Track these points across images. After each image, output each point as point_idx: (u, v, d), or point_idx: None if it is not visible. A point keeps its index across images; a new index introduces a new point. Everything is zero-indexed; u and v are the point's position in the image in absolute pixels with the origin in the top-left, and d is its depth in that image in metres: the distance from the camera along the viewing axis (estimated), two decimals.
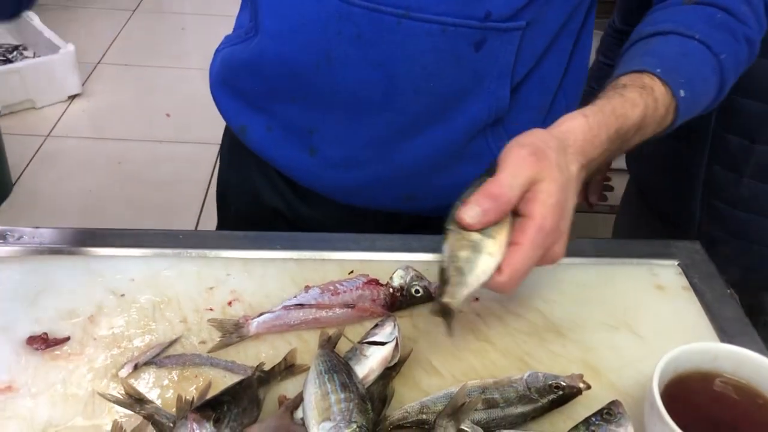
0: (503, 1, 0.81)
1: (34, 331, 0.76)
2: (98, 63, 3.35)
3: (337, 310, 0.78)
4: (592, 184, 1.46)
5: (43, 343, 0.74)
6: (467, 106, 0.87)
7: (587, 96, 0.83)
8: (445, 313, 0.66)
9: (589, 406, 0.69)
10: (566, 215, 0.66)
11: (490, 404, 0.68)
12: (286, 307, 0.78)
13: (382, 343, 0.71)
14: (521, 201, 0.65)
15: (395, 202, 0.96)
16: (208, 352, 0.75)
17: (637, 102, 0.74)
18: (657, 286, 0.88)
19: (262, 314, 0.78)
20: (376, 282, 0.81)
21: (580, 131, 0.69)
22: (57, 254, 0.86)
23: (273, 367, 0.71)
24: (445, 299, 0.64)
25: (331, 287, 0.80)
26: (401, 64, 0.84)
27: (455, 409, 0.64)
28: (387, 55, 0.83)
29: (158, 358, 0.74)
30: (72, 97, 3.05)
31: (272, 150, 0.97)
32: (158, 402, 0.69)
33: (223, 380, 0.72)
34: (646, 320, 0.83)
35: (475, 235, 0.64)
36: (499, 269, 0.64)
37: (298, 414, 0.65)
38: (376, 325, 0.74)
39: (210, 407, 0.60)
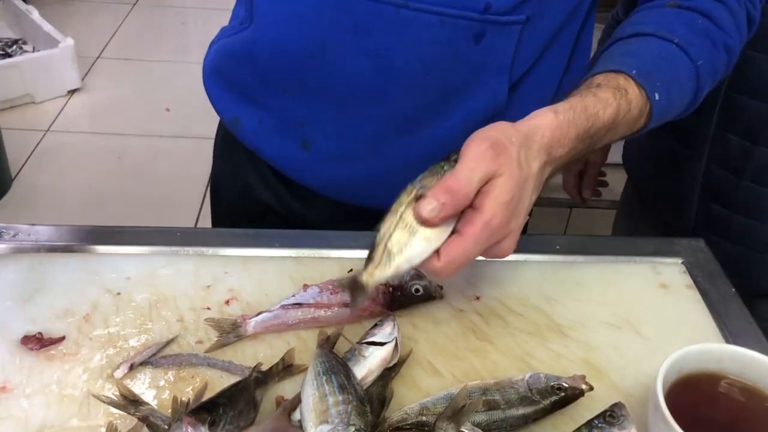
0: None
1: (28, 331, 0.75)
2: (98, 57, 3.33)
3: (336, 309, 0.77)
4: (586, 178, 1.42)
5: (37, 342, 0.73)
6: (465, 100, 0.86)
7: None
8: (356, 288, 0.64)
9: (592, 408, 0.68)
10: (519, 213, 0.65)
11: (491, 406, 0.67)
12: (284, 307, 0.77)
13: (382, 344, 0.70)
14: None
15: (389, 199, 0.95)
16: (205, 352, 0.74)
17: (609, 102, 0.73)
18: (660, 285, 0.87)
19: (259, 314, 0.77)
20: None
21: (549, 128, 0.68)
22: (53, 252, 0.85)
23: (270, 368, 0.70)
24: (364, 277, 0.63)
25: (330, 286, 0.79)
26: (398, 55, 0.82)
27: (455, 411, 0.63)
28: (384, 46, 0.82)
29: (154, 358, 0.73)
30: (71, 92, 3.03)
31: (264, 143, 0.96)
32: (154, 403, 0.68)
33: (220, 381, 0.71)
34: (650, 319, 0.82)
35: (412, 218, 0.63)
36: (437, 253, 0.63)
37: (296, 416, 0.64)
38: (376, 325, 0.73)
39: (205, 410, 0.59)
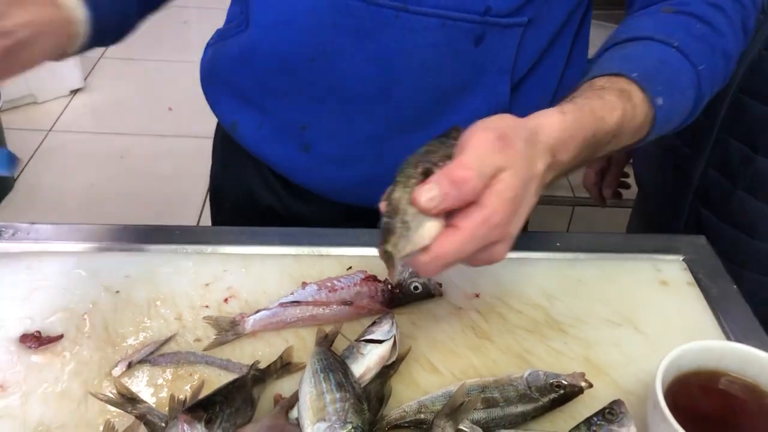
0: None
1: (27, 329, 0.74)
2: (100, 57, 3.34)
3: (335, 307, 0.77)
4: (609, 177, 1.33)
5: (36, 341, 0.73)
6: (466, 102, 0.85)
7: None
8: (389, 260, 0.57)
9: (591, 405, 0.68)
10: (520, 215, 0.59)
11: (490, 403, 0.66)
12: (282, 305, 0.77)
13: (380, 341, 0.70)
14: None
15: None
16: (204, 350, 0.74)
17: (615, 106, 0.68)
18: (661, 282, 0.87)
19: (258, 312, 0.77)
20: (374, 278, 0.80)
21: (556, 128, 0.63)
22: (52, 250, 0.85)
23: (269, 366, 0.70)
24: (389, 248, 0.56)
25: (329, 284, 0.79)
26: (399, 58, 0.82)
27: (454, 409, 0.63)
28: (384, 49, 0.82)
29: (152, 357, 0.72)
30: (74, 92, 3.04)
31: (264, 147, 0.95)
32: (153, 401, 0.68)
33: (219, 379, 0.71)
34: (650, 317, 0.81)
35: None
36: (425, 248, 0.56)
37: (294, 413, 0.64)
38: (374, 323, 0.73)
39: (201, 408, 0.59)
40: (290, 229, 0.91)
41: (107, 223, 0.90)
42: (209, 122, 1.04)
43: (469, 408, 0.63)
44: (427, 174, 0.57)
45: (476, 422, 0.65)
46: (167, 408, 0.65)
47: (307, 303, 0.77)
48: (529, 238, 0.95)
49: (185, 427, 0.57)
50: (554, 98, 0.92)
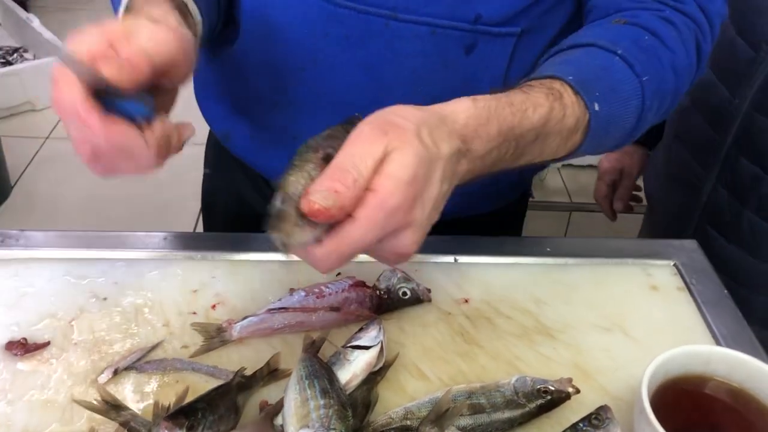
0: (495, 5, 0.79)
1: (13, 336, 0.74)
2: None
3: (323, 313, 0.77)
4: (620, 189, 1.31)
5: (22, 348, 0.73)
6: None
7: None
8: (284, 248, 0.54)
9: (579, 411, 0.68)
10: (424, 201, 0.55)
11: (476, 410, 0.66)
12: (270, 311, 0.77)
13: (367, 347, 0.70)
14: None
15: None
16: (190, 356, 0.73)
17: (541, 102, 0.64)
18: (651, 287, 0.86)
19: (245, 318, 0.76)
20: (363, 284, 0.80)
21: (463, 113, 0.60)
22: (41, 257, 0.85)
23: (254, 373, 0.70)
24: (283, 237, 0.53)
25: (317, 290, 0.79)
26: (389, 66, 0.82)
27: (439, 415, 0.62)
28: (375, 58, 0.82)
29: (139, 363, 0.72)
30: None
31: (256, 156, 0.95)
32: (138, 408, 0.67)
33: (205, 386, 0.70)
34: (640, 322, 0.81)
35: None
36: (320, 240, 0.53)
37: (278, 420, 0.64)
38: (361, 329, 0.73)
39: (183, 414, 0.58)
40: None
41: (96, 230, 0.90)
42: (206, 128, 1.04)
43: (454, 414, 0.63)
44: (327, 159, 0.54)
45: (462, 429, 0.64)
46: (152, 415, 0.64)
47: (295, 309, 0.77)
48: (519, 244, 0.95)
49: None
50: None
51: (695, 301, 0.84)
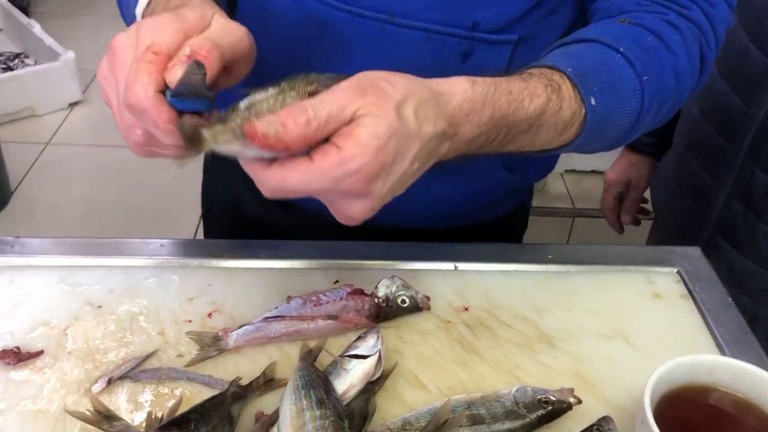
0: (492, 12, 0.78)
1: (6, 345, 0.73)
2: None
3: (320, 321, 0.76)
4: (627, 202, 1.28)
5: (15, 357, 0.72)
6: None
7: None
8: (192, 139, 0.54)
9: (580, 422, 0.67)
10: (389, 175, 0.54)
11: (476, 420, 0.65)
12: (266, 319, 0.76)
13: (364, 357, 0.68)
14: (335, 134, 0.53)
15: (381, 214, 0.93)
16: (186, 366, 0.72)
17: (539, 93, 0.64)
18: (654, 295, 0.85)
19: (241, 326, 0.75)
20: (361, 292, 0.79)
21: (458, 95, 0.59)
22: (36, 264, 0.84)
23: (250, 382, 0.69)
24: (207, 134, 0.54)
25: (314, 298, 0.78)
26: (384, 71, 0.81)
27: (438, 426, 0.61)
28: (369, 62, 0.80)
29: (133, 373, 0.71)
30: (72, 105, 3.04)
31: None
32: (133, 418, 0.66)
33: (200, 396, 0.69)
34: (642, 330, 0.80)
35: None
36: (270, 161, 0.53)
37: (274, 431, 0.63)
38: (359, 338, 0.72)
39: (175, 425, 0.57)
40: (276, 242, 0.89)
41: (91, 237, 0.89)
42: None
43: (453, 425, 0.62)
44: (312, 95, 0.54)
45: None
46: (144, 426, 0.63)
47: (292, 318, 0.76)
48: (521, 251, 0.94)
49: None
50: None
51: (699, 308, 0.83)
